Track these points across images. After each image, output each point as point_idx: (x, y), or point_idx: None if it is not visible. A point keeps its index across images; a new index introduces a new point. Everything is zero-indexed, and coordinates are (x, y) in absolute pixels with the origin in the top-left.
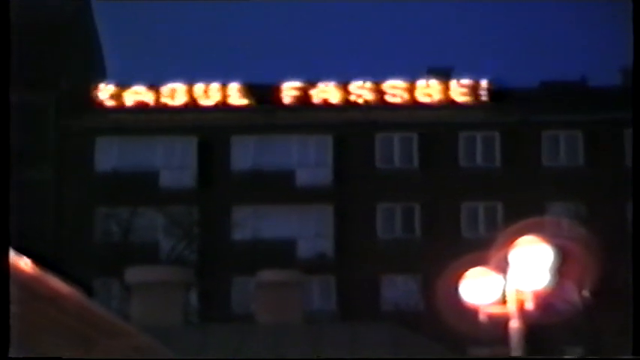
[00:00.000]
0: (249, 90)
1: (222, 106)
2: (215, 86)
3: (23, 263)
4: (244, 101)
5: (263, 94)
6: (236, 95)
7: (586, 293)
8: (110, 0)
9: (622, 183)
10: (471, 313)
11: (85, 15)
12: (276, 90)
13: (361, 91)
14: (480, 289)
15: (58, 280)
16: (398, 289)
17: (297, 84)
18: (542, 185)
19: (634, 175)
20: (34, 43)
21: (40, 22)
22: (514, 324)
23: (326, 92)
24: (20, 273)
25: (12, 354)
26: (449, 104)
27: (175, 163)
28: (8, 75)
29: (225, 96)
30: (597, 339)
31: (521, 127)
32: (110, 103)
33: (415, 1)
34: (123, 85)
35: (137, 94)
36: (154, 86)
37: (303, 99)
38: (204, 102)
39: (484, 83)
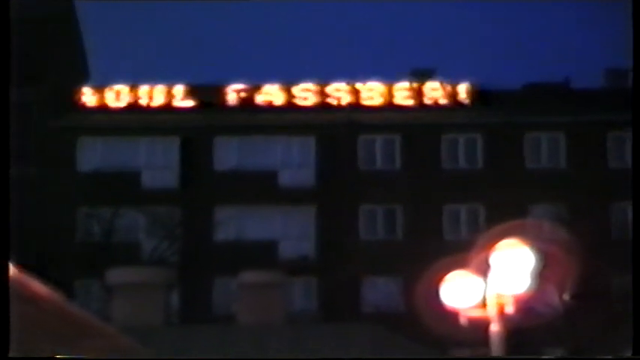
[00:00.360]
0: (234, 91)
1: (205, 107)
2: (197, 86)
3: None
4: (227, 102)
5: (245, 94)
6: (220, 96)
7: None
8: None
9: (604, 185)
10: (451, 315)
11: (69, 14)
12: (260, 91)
13: (342, 92)
14: (460, 291)
15: (37, 282)
16: (379, 291)
17: (276, 86)
18: (525, 187)
19: (634, 175)
20: (20, 40)
21: (25, 21)
22: (494, 327)
23: (304, 94)
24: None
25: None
26: (431, 106)
27: (158, 164)
28: (8, 75)
29: (208, 96)
30: (578, 341)
31: (503, 128)
32: (93, 103)
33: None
34: (106, 85)
35: (120, 94)
36: (137, 86)
37: (285, 100)
38: (186, 102)
39: (467, 85)
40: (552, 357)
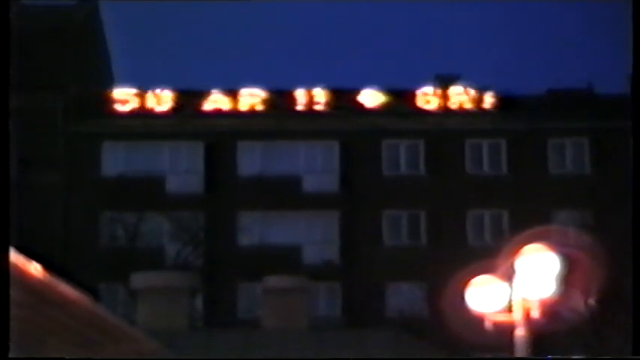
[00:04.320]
0: (258, 95)
1: (230, 112)
2: (223, 92)
3: (33, 268)
4: (252, 106)
5: (271, 99)
6: (244, 100)
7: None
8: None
9: (628, 191)
10: (476, 321)
11: (94, 20)
12: (286, 96)
13: (367, 98)
14: (485, 296)
15: (67, 286)
16: (403, 296)
17: (301, 91)
18: (549, 193)
19: (634, 175)
20: (43, 47)
21: (50, 27)
22: (520, 332)
23: (329, 98)
24: (30, 278)
25: (12, 354)
26: (455, 111)
27: (182, 168)
28: (7, 74)
29: (233, 101)
30: (603, 347)
31: (527, 134)
32: (118, 107)
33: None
34: (131, 90)
35: (145, 99)
36: (162, 91)
37: (309, 105)
38: (212, 107)
39: (491, 91)
40: (573, 357)
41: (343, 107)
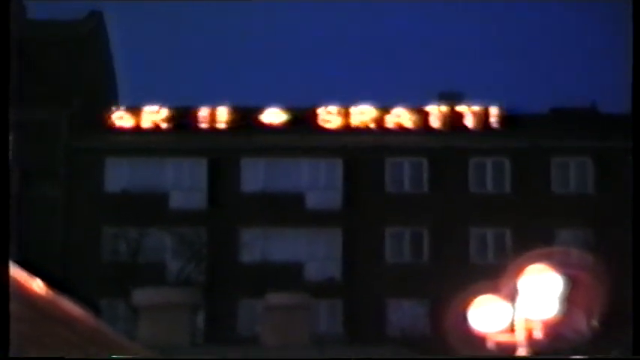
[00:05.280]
0: (260, 113)
1: (233, 128)
2: (225, 109)
3: (35, 284)
4: (256, 123)
5: (274, 117)
6: (248, 118)
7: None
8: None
9: (630, 210)
10: (478, 340)
11: (99, 34)
12: (288, 113)
13: (369, 115)
14: (488, 316)
15: (68, 301)
16: (405, 314)
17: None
18: (552, 212)
19: (634, 176)
20: (47, 60)
21: (54, 40)
22: (522, 352)
23: (336, 116)
24: (32, 294)
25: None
26: (459, 129)
27: (185, 184)
28: (8, 79)
29: (235, 118)
30: None
31: (531, 153)
32: (121, 123)
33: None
34: (134, 105)
35: (148, 115)
36: (164, 107)
37: (313, 122)
38: (215, 124)
39: (494, 109)
40: (553, 356)
41: (346, 124)
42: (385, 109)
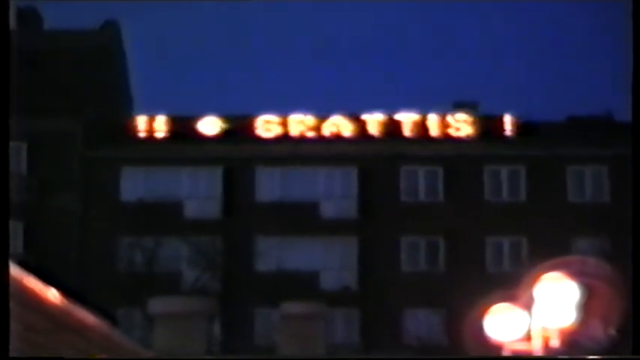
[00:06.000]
0: (275, 122)
1: (248, 137)
2: (242, 117)
3: (51, 294)
4: (270, 133)
5: (289, 126)
6: (262, 126)
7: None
8: None
9: None
10: (495, 349)
11: (116, 44)
12: (303, 122)
13: (385, 124)
14: (504, 325)
15: (84, 311)
16: (421, 323)
17: (326, 116)
18: (567, 220)
19: (634, 176)
20: (63, 70)
21: (70, 50)
22: None
23: (347, 125)
24: (48, 304)
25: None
26: (474, 138)
27: (200, 194)
28: (8, 80)
29: (251, 127)
30: None
31: (546, 161)
32: (136, 133)
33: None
34: (149, 115)
35: (163, 125)
36: (179, 117)
37: (328, 131)
38: (231, 132)
39: (510, 117)
40: (554, 357)
41: (361, 133)
42: (400, 118)
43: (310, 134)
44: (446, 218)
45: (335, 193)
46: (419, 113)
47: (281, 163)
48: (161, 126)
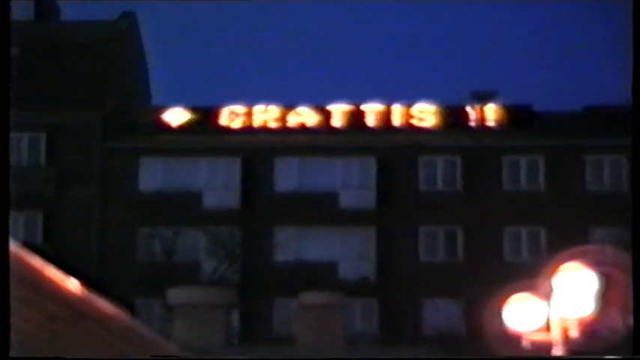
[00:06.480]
0: (293, 112)
1: (266, 128)
2: (260, 108)
3: (71, 283)
4: (288, 123)
5: (307, 115)
6: (280, 117)
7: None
8: None
9: None
10: (514, 339)
11: (132, 35)
12: (321, 112)
13: (403, 114)
14: (523, 315)
15: (103, 300)
16: (440, 313)
17: (345, 106)
18: (586, 210)
19: (634, 173)
20: (81, 63)
21: (87, 43)
22: (557, 351)
23: (370, 114)
24: (67, 292)
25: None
26: (492, 128)
27: (219, 184)
28: (8, 75)
29: (269, 117)
30: None
31: (564, 151)
32: (154, 124)
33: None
34: (167, 105)
35: (181, 115)
36: (198, 107)
37: (348, 121)
38: (249, 123)
39: (527, 107)
40: (555, 356)
41: (380, 123)
42: (418, 108)
43: (331, 124)
44: (464, 208)
45: (353, 183)
46: (437, 103)
47: (299, 153)
48: (179, 117)
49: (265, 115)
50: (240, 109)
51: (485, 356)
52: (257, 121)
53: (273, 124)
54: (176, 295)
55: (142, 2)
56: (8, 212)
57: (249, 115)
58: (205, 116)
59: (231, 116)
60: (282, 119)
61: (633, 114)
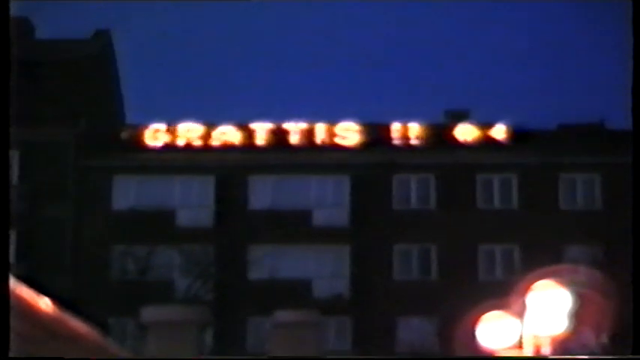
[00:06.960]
0: (268, 130)
1: (240, 146)
2: (232, 127)
3: (43, 303)
4: (262, 141)
5: (281, 134)
6: (255, 135)
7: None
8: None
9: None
10: (487, 356)
11: (107, 53)
12: (294, 130)
13: (376, 132)
14: (496, 332)
15: (76, 320)
16: (414, 331)
17: (309, 125)
18: (560, 228)
19: (634, 176)
20: (55, 81)
21: (62, 60)
22: None
23: (235, 134)
24: (40, 313)
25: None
26: (466, 146)
27: (193, 202)
28: (8, 78)
29: (243, 136)
30: None
31: (538, 169)
32: (128, 142)
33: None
34: (141, 124)
35: (155, 134)
36: (172, 126)
37: (319, 140)
38: (223, 142)
39: (501, 125)
40: (553, 357)
41: (354, 141)
42: (391, 127)
43: (304, 143)
44: (438, 226)
45: (327, 201)
46: (411, 121)
47: (273, 171)
48: (153, 135)
49: (241, 133)
50: (215, 127)
51: (474, 356)
52: (232, 139)
53: (248, 142)
54: (149, 313)
55: (115, 19)
56: (8, 221)
57: (224, 132)
58: (179, 134)
59: (205, 134)
60: (250, 137)
61: (633, 115)
